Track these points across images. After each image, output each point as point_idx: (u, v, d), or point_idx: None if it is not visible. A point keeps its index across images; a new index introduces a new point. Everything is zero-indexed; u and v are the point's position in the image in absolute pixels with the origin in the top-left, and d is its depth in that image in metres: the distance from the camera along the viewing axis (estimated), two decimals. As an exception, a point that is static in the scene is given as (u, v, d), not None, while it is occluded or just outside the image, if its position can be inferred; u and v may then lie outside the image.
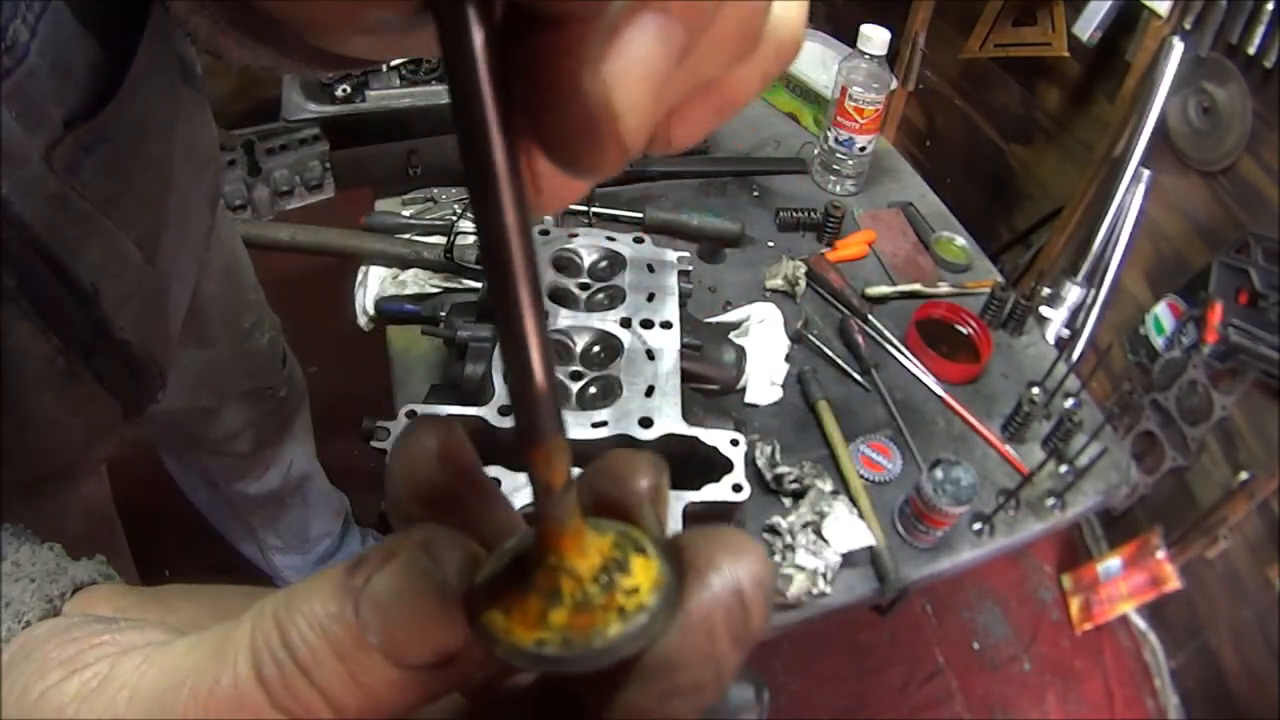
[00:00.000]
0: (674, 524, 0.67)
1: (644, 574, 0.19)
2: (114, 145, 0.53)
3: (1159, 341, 1.72)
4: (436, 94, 1.26)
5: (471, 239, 1.22)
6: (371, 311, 1.17)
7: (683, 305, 0.92)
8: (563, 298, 0.91)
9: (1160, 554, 1.69)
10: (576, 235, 0.98)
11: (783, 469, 1.02)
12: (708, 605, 0.18)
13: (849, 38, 1.41)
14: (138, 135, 0.56)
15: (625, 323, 0.86)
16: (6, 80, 0.44)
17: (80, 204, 0.51)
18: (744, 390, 1.13)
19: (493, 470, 0.71)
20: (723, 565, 0.19)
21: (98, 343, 0.57)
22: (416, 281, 1.18)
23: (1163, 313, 1.72)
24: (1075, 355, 1.75)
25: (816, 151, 1.49)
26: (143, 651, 0.21)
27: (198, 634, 0.20)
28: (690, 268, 0.96)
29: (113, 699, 0.20)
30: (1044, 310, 1.86)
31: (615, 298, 0.90)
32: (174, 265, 0.67)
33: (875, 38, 1.33)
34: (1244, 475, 1.57)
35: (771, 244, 1.36)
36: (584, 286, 0.93)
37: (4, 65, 0.43)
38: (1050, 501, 1.08)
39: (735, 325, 1.19)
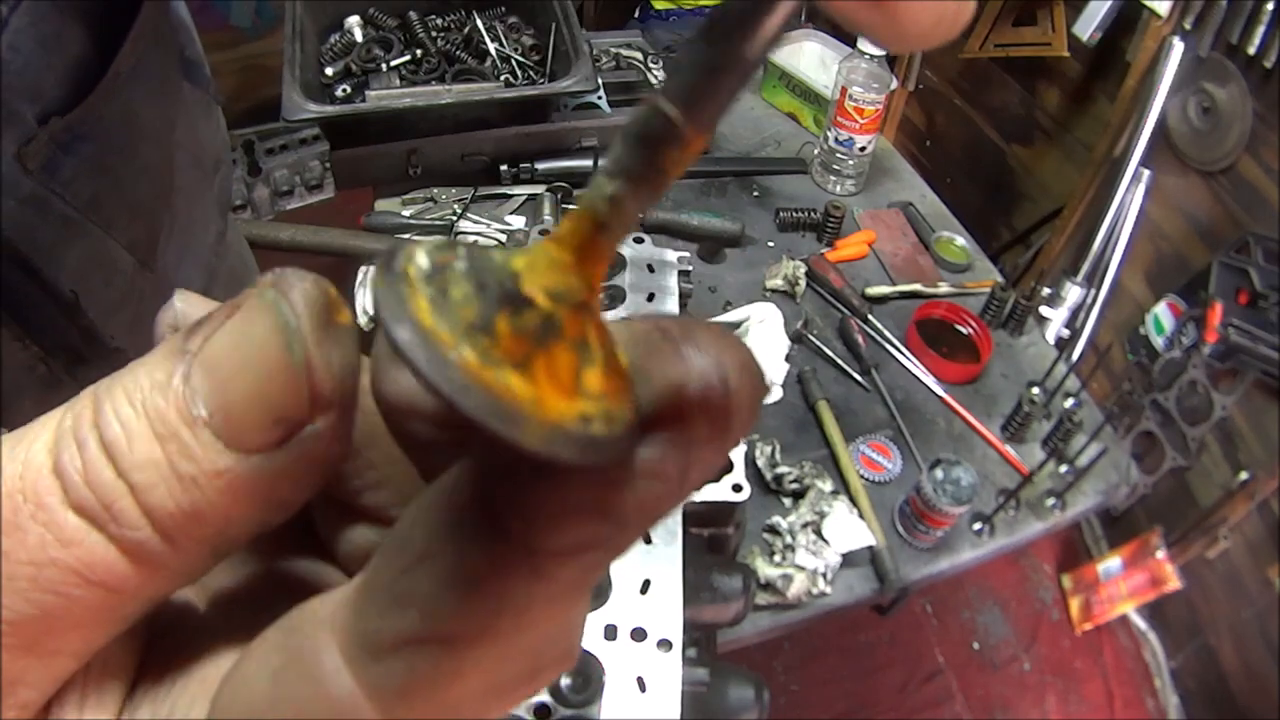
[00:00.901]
0: (675, 525, 0.67)
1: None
2: (97, 145, 0.51)
3: (1159, 341, 1.72)
4: (436, 94, 1.26)
5: (471, 239, 1.22)
6: (372, 311, 1.17)
7: (683, 305, 0.92)
8: (563, 298, 0.91)
9: (1160, 554, 1.69)
10: (576, 235, 0.98)
11: (783, 469, 1.02)
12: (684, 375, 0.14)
13: (849, 38, 1.41)
14: (126, 135, 0.54)
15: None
16: None
17: (60, 207, 0.49)
18: (744, 390, 1.13)
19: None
20: (702, 342, 0.14)
21: (88, 351, 0.56)
22: (416, 281, 1.18)
23: (1163, 313, 1.72)
24: (1075, 355, 1.75)
25: (816, 151, 1.49)
26: None
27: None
28: (690, 268, 0.96)
29: None
30: (1044, 310, 1.86)
31: (615, 298, 0.90)
32: (179, 271, 0.66)
33: (875, 38, 1.33)
34: (1244, 475, 1.57)
35: (771, 244, 1.36)
36: (584, 286, 0.93)
37: None
38: (1050, 501, 1.08)
39: (735, 325, 1.19)
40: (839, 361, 1.19)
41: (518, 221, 1.30)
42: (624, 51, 1.57)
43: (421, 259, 0.13)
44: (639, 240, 0.97)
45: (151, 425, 0.14)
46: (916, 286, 1.32)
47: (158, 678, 0.17)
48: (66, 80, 0.48)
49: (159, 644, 0.18)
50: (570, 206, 1.31)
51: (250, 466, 0.15)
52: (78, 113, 0.48)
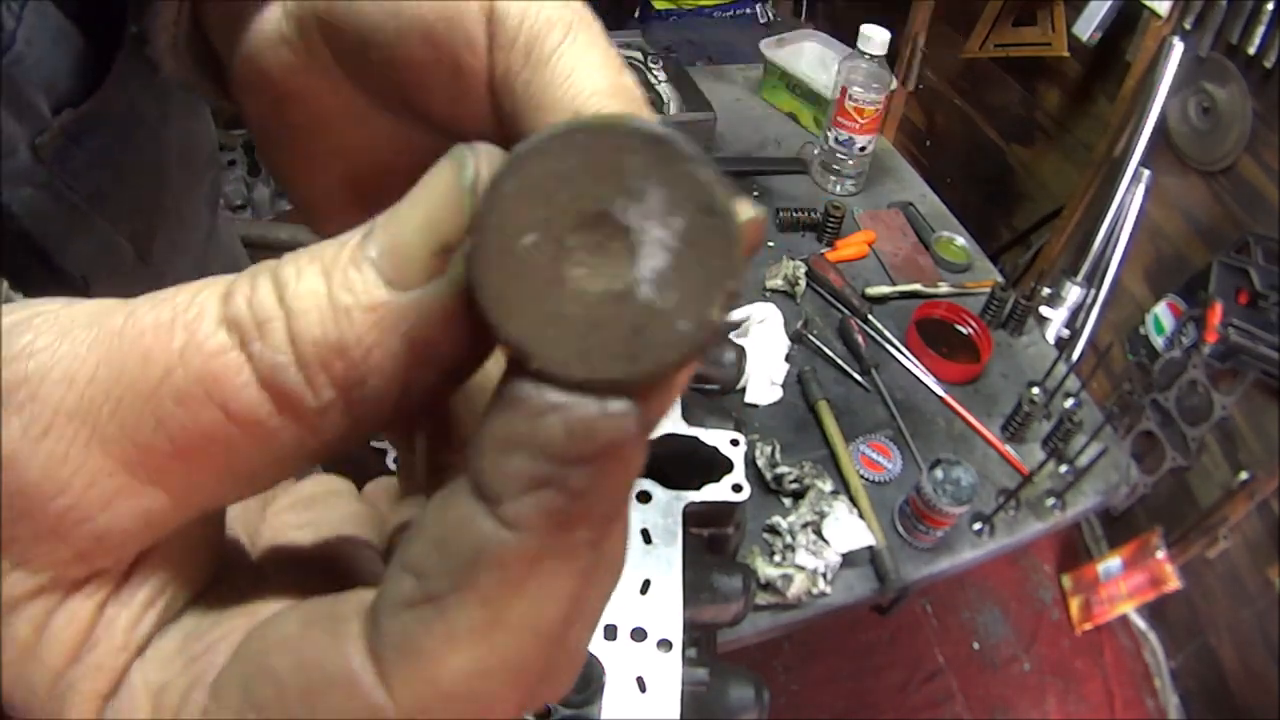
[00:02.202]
0: (675, 525, 0.67)
1: None
2: (103, 137, 0.52)
3: (1159, 341, 1.72)
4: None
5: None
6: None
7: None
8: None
9: (1160, 554, 1.69)
10: (576, 235, 0.98)
11: (783, 469, 1.02)
12: None
13: (849, 38, 1.41)
14: (127, 128, 0.56)
15: None
16: None
17: (69, 196, 0.51)
18: (744, 390, 1.13)
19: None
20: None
21: None
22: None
23: (1163, 313, 1.72)
24: (1075, 355, 1.75)
25: (816, 151, 1.49)
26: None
27: None
28: (690, 268, 0.96)
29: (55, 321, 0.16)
30: (1044, 310, 1.86)
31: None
32: (170, 266, 0.67)
33: (875, 38, 1.33)
34: (1244, 475, 1.57)
35: (771, 244, 1.36)
36: (584, 286, 0.93)
37: None
38: (1050, 501, 1.08)
39: (735, 325, 1.19)
40: (839, 361, 1.19)
41: (518, 221, 1.30)
42: (624, 51, 1.57)
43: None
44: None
45: (323, 266, 0.15)
46: (916, 286, 1.32)
47: (204, 608, 0.18)
48: (75, 74, 0.50)
49: (216, 579, 0.19)
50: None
51: (404, 300, 0.15)
52: (89, 105, 0.50)
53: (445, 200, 0.15)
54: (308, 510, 0.24)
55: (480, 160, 0.15)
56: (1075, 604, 1.90)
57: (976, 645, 1.88)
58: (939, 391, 1.18)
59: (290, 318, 0.15)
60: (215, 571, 0.19)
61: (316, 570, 0.21)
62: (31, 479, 0.15)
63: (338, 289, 0.15)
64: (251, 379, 0.15)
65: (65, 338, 0.15)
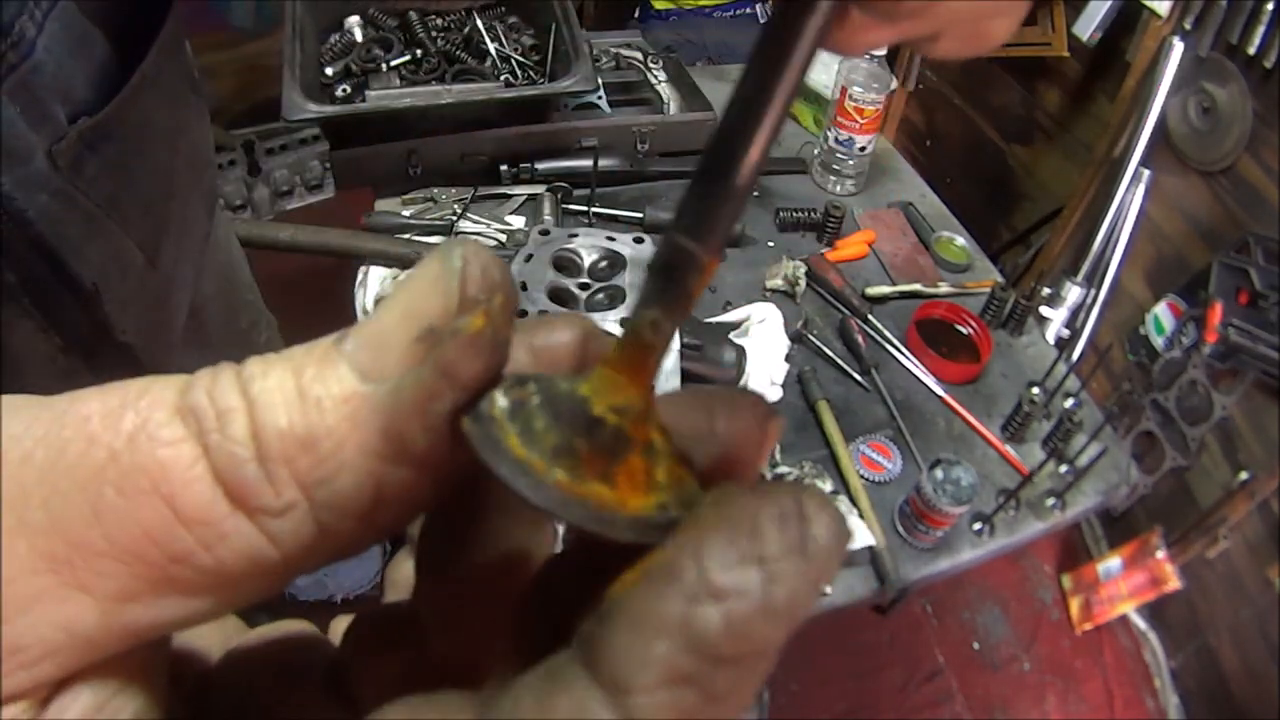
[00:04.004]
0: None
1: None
2: (118, 146, 0.53)
3: (1159, 341, 1.72)
4: (436, 94, 1.26)
5: (471, 239, 1.22)
6: (372, 311, 1.17)
7: (683, 305, 0.92)
8: (563, 298, 0.91)
9: (1160, 554, 1.69)
10: (576, 235, 0.98)
11: (783, 469, 1.02)
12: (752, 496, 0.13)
13: (849, 38, 1.41)
14: (141, 138, 0.56)
15: (625, 323, 0.86)
16: (11, 76, 0.44)
17: (84, 203, 0.51)
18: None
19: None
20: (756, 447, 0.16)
21: (99, 345, 0.57)
22: (416, 281, 1.18)
23: (1163, 313, 1.72)
24: (1075, 355, 1.75)
25: (816, 151, 1.49)
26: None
27: None
28: (690, 268, 0.96)
29: None
30: (1044, 310, 1.86)
31: (615, 298, 0.90)
32: (176, 269, 0.67)
33: (875, 38, 1.33)
34: (1244, 475, 1.57)
35: (771, 244, 1.36)
36: (584, 286, 0.93)
37: (9, 61, 0.43)
38: (1050, 501, 1.08)
39: (735, 325, 1.19)
40: (839, 361, 1.19)
41: (518, 221, 1.30)
42: (624, 51, 1.57)
43: (501, 400, 0.15)
44: (639, 240, 0.97)
45: (294, 364, 0.14)
46: (916, 286, 1.32)
47: None
48: (92, 84, 0.50)
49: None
50: (570, 207, 1.32)
51: (381, 391, 0.14)
52: (105, 114, 0.50)
53: (431, 286, 0.15)
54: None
55: (468, 249, 0.15)
56: (1075, 604, 1.90)
57: (976, 645, 1.88)
58: (939, 391, 1.18)
59: (253, 409, 0.14)
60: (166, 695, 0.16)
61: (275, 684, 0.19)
62: None
63: (308, 381, 0.14)
64: (205, 472, 0.13)
65: (10, 415, 0.14)
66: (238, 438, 0.13)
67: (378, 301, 1.16)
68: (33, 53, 0.45)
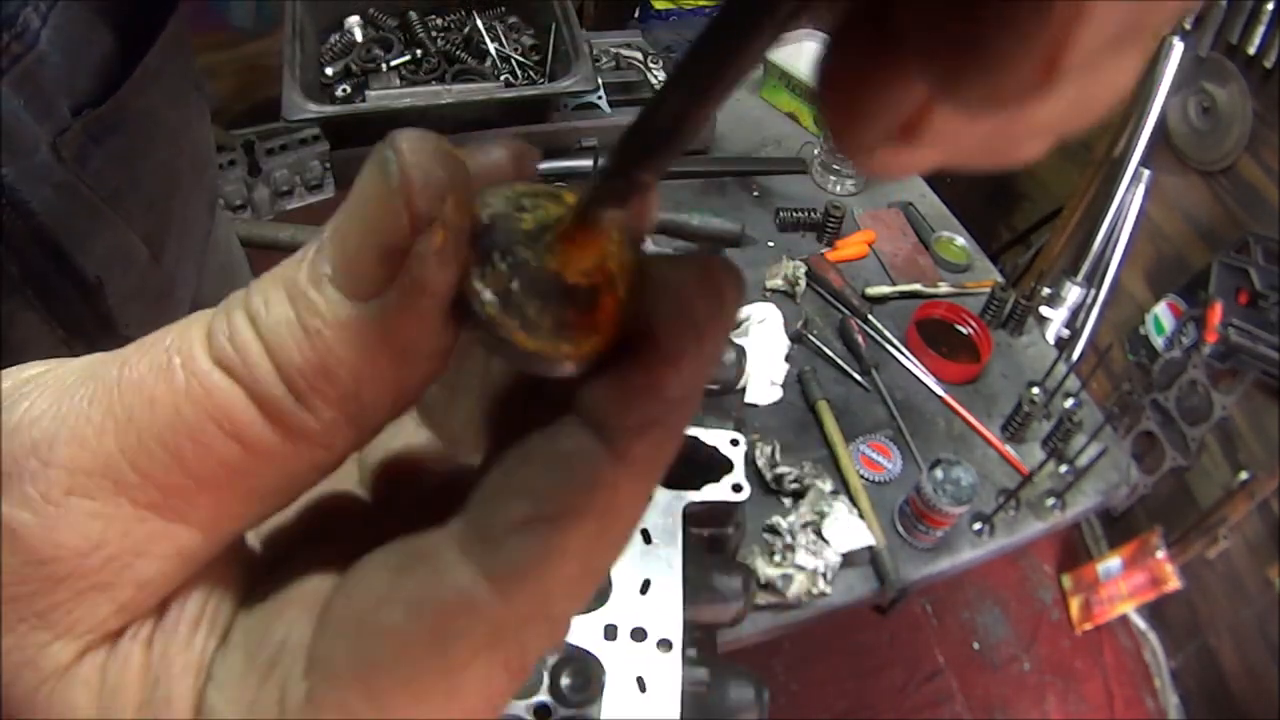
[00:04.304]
0: (675, 525, 0.67)
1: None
2: (122, 139, 0.53)
3: (1159, 341, 1.72)
4: (436, 94, 1.26)
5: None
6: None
7: (683, 305, 0.92)
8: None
9: (1160, 554, 1.69)
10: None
11: (783, 469, 1.02)
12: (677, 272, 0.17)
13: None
14: (146, 133, 0.56)
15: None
16: (15, 67, 0.44)
17: (88, 195, 0.51)
18: (744, 390, 1.13)
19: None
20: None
21: (103, 338, 0.57)
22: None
23: (1163, 313, 1.72)
24: (1075, 355, 1.75)
25: (816, 151, 1.49)
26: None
27: None
28: (690, 268, 0.96)
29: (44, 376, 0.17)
30: (1044, 310, 1.86)
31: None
32: (178, 267, 0.67)
33: (875, 38, 1.33)
34: (1244, 475, 1.57)
35: (771, 244, 1.36)
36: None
37: (13, 51, 0.43)
38: (1050, 501, 1.08)
39: (735, 325, 1.19)
40: (839, 361, 1.19)
41: (518, 221, 1.30)
42: (624, 51, 1.57)
43: (487, 295, 0.17)
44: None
45: (287, 290, 0.15)
46: (916, 286, 1.32)
47: (249, 611, 0.18)
48: (97, 76, 0.50)
49: (248, 581, 0.19)
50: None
51: (370, 311, 0.15)
52: (109, 106, 0.50)
53: (378, 207, 0.15)
54: None
55: (405, 152, 0.15)
56: (1075, 604, 1.90)
57: (976, 645, 1.88)
58: (939, 391, 1.18)
59: (270, 350, 0.15)
60: (246, 573, 0.19)
61: (317, 536, 0.21)
62: (64, 541, 0.15)
63: (304, 313, 0.15)
64: (256, 412, 0.15)
65: (64, 398, 0.16)
66: (269, 380, 0.15)
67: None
68: (36, 44, 0.45)
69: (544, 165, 1.33)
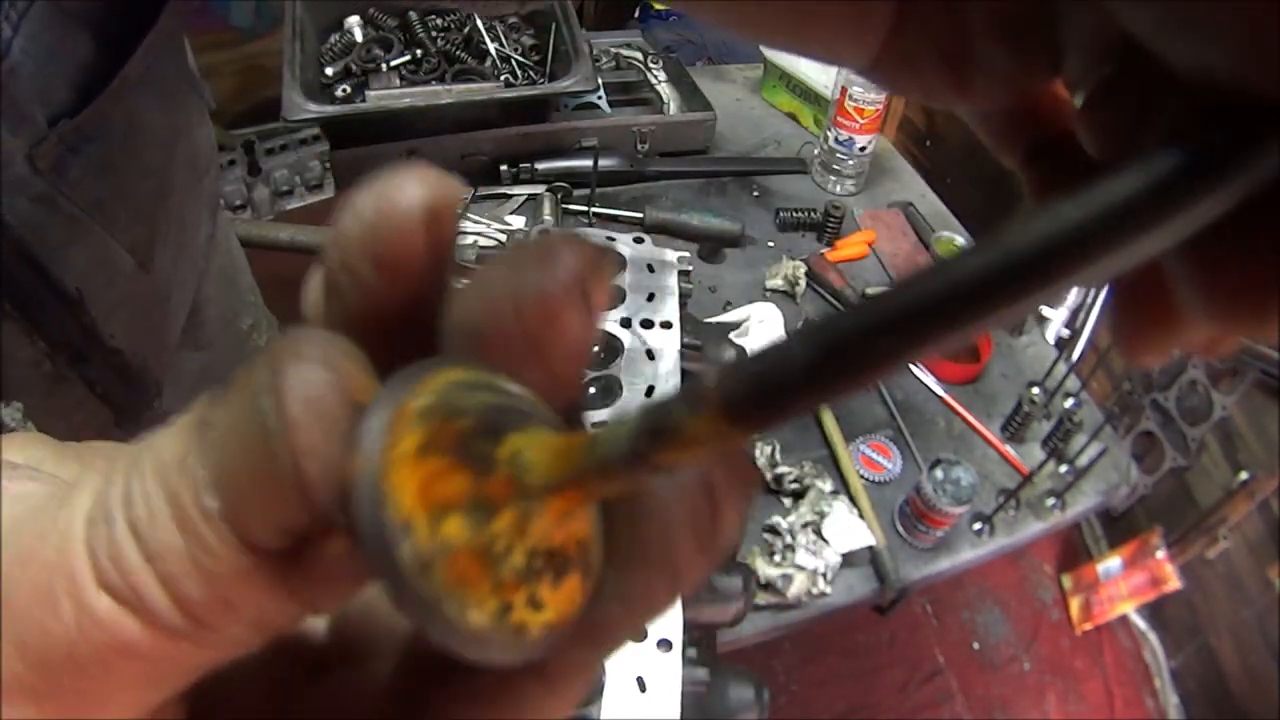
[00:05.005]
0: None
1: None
2: (103, 147, 0.52)
3: (1159, 341, 1.72)
4: (436, 94, 1.26)
5: (470, 239, 1.22)
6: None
7: (683, 305, 0.92)
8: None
9: (1160, 554, 1.69)
10: (576, 235, 0.98)
11: (783, 469, 1.02)
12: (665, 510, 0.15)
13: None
14: (132, 140, 0.55)
15: (625, 323, 0.86)
16: None
17: (67, 207, 0.50)
18: (744, 390, 1.13)
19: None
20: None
21: (87, 349, 0.57)
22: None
23: (1163, 313, 1.72)
24: (1075, 355, 1.75)
25: (816, 151, 1.49)
26: (26, 501, 0.16)
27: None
28: (690, 268, 0.96)
29: None
30: (1044, 310, 1.86)
31: (615, 298, 0.90)
32: (173, 273, 0.66)
33: (875, 38, 1.33)
34: (1244, 475, 1.57)
35: (771, 244, 1.36)
36: (584, 286, 0.93)
37: None
38: (1050, 501, 1.08)
39: (735, 325, 1.19)
40: (839, 361, 1.19)
41: (518, 221, 1.30)
42: (624, 51, 1.57)
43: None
44: (639, 240, 0.97)
45: (171, 509, 0.13)
46: (916, 286, 1.32)
47: None
48: (74, 85, 0.49)
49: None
50: (570, 207, 1.32)
51: (273, 567, 0.13)
52: (86, 115, 0.50)
53: (264, 479, 0.13)
54: None
55: (286, 398, 0.12)
56: (1075, 604, 1.90)
57: (976, 645, 1.88)
58: (939, 391, 1.18)
59: (163, 581, 0.13)
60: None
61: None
62: None
63: (199, 552, 0.13)
64: (151, 633, 0.14)
65: None
66: (165, 612, 0.13)
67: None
68: (9, 54, 0.44)
69: (543, 165, 1.34)
